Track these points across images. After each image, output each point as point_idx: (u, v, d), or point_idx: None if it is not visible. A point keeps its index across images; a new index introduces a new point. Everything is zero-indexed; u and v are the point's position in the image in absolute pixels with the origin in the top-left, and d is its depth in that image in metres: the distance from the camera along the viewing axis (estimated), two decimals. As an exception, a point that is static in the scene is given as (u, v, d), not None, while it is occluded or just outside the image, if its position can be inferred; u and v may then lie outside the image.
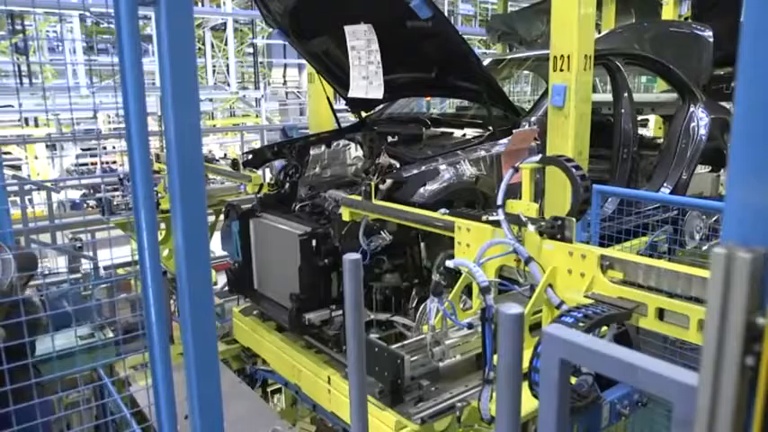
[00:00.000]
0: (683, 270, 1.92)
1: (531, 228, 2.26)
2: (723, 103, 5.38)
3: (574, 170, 2.33)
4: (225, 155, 14.73)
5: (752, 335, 0.67)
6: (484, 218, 2.50)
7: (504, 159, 3.33)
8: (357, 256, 1.51)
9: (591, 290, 2.09)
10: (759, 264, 0.67)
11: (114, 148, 12.33)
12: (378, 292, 3.32)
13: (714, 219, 4.66)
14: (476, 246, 2.39)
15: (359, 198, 3.12)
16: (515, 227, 2.32)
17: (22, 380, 1.99)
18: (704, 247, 4.45)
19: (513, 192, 3.50)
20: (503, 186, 2.39)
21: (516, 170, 2.44)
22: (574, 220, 2.22)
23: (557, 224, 2.21)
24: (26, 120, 14.45)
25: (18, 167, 11.91)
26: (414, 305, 3.30)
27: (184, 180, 1.24)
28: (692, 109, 4.88)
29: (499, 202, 2.38)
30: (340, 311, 3.23)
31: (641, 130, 5.72)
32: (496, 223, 2.36)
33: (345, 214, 3.18)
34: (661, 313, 1.92)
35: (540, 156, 2.55)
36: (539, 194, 3.59)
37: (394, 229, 3.18)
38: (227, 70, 17.95)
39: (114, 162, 12.52)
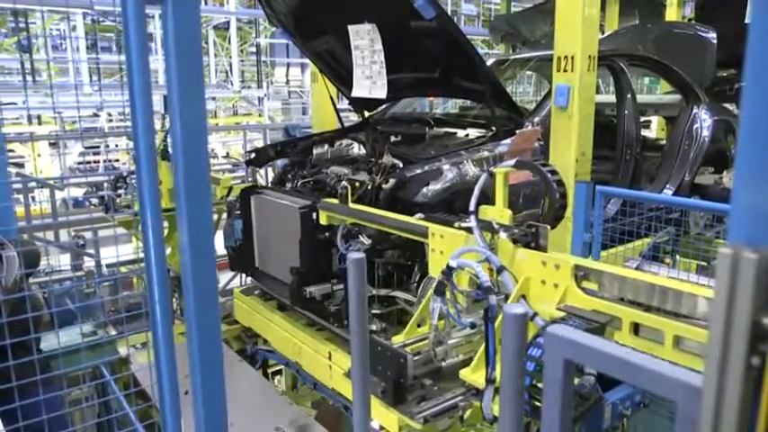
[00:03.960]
0: (659, 282, 1.87)
1: (503, 235, 2.19)
2: (726, 105, 5.37)
3: (549, 175, 2.25)
4: (227, 153, 14.75)
5: (757, 335, 0.68)
6: (456, 224, 2.43)
7: (507, 160, 3.32)
8: (361, 255, 1.52)
9: (564, 301, 2.02)
10: (765, 264, 0.67)
11: (117, 146, 12.37)
12: (380, 267, 3.29)
13: None
14: (449, 253, 2.30)
15: (335, 201, 3.08)
16: (488, 234, 2.24)
17: (26, 376, 2.00)
18: (708, 234, 4.46)
19: (516, 193, 3.51)
20: (476, 191, 2.32)
21: (491, 175, 2.36)
22: (548, 227, 2.15)
23: (530, 232, 2.14)
24: (29, 117, 14.49)
25: (21, 165, 11.93)
26: (416, 280, 3.28)
27: (190, 177, 1.25)
28: (695, 110, 4.88)
29: (472, 207, 2.30)
30: (341, 285, 3.22)
31: (644, 132, 5.72)
32: (471, 230, 2.29)
33: (323, 218, 3.14)
34: (636, 328, 1.85)
35: (516, 160, 2.45)
36: (539, 197, 3.58)
37: (373, 232, 3.10)
38: (230, 69, 17.97)
39: (117, 160, 12.55)
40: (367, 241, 3.08)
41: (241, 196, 3.98)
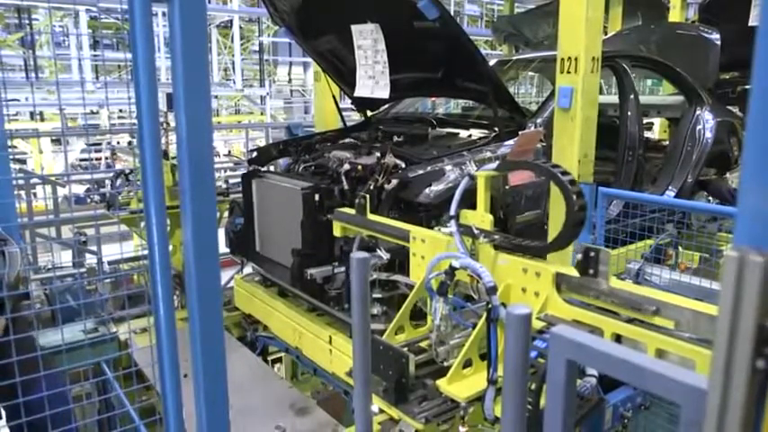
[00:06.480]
0: (642, 293, 1.83)
1: (483, 241, 2.14)
2: (729, 107, 5.37)
3: (561, 175, 2.00)
4: (229, 152, 14.76)
5: (763, 338, 0.68)
6: (436, 229, 2.38)
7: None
8: (364, 254, 1.52)
9: (545, 311, 1.96)
10: (771, 268, 0.67)
11: (118, 143, 12.38)
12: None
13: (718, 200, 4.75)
14: (430, 258, 2.24)
15: (352, 212, 2.96)
16: (470, 239, 2.18)
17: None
18: (709, 227, 4.47)
19: (518, 195, 3.51)
20: (457, 195, 2.28)
21: (472, 178, 2.31)
22: (609, 251, 1.91)
23: (590, 256, 1.87)
24: (31, 114, 14.53)
25: (23, 161, 11.95)
26: None
27: (195, 174, 1.25)
28: (698, 112, 4.88)
29: (452, 212, 2.25)
30: (342, 268, 3.22)
31: (647, 133, 5.72)
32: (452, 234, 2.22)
33: (337, 230, 3.06)
34: (618, 339, 1.81)
35: (498, 162, 2.36)
36: (542, 198, 3.58)
37: (393, 246, 2.93)
38: (233, 67, 17.99)
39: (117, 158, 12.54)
40: (386, 255, 2.93)
41: (243, 180, 3.99)
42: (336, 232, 3.05)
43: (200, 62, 1.23)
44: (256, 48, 19.72)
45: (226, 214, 4.68)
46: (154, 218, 1.31)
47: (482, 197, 2.29)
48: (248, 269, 4.45)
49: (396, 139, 3.98)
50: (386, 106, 4.86)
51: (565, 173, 2.05)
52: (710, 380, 0.71)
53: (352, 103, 4.70)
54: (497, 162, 2.38)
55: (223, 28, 18.43)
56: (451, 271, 2.11)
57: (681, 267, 3.89)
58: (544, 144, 3.71)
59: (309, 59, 4.99)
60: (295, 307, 3.70)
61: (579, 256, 1.91)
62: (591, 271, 1.89)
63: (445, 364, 2.17)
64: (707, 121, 4.84)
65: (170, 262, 1.42)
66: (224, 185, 5.59)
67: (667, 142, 5.61)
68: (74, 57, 15.66)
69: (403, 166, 3.36)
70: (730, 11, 5.89)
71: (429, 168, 3.30)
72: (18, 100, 13.40)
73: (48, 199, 5.75)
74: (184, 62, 1.20)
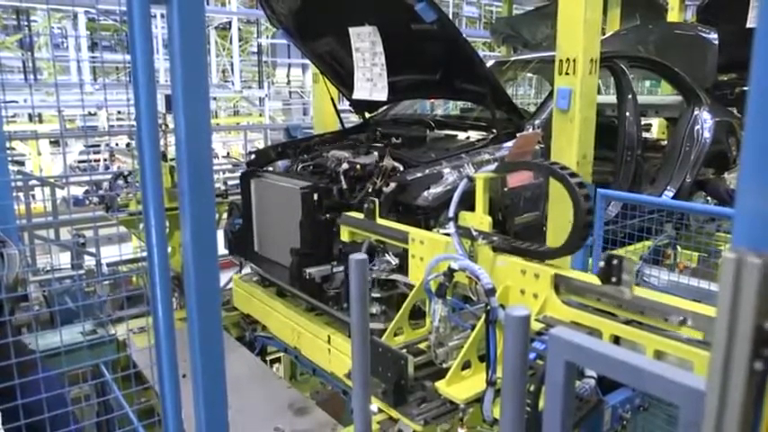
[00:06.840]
0: (640, 295, 1.83)
1: (482, 243, 2.16)
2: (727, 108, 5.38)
3: (570, 177, 1.97)
4: (228, 153, 14.76)
5: (761, 339, 0.68)
6: (435, 231, 2.39)
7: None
8: (363, 255, 1.52)
9: (544, 312, 1.97)
10: (769, 269, 0.67)
11: (117, 144, 12.38)
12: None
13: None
14: (429, 259, 2.26)
15: (360, 216, 2.95)
16: (469, 241, 2.20)
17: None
18: (708, 227, 4.47)
19: (516, 196, 3.51)
20: (455, 197, 2.29)
21: (471, 180, 2.32)
22: (632, 259, 1.91)
23: (612, 264, 1.82)
24: (30, 116, 14.51)
25: (22, 163, 11.93)
26: None
27: (194, 177, 1.25)
28: (696, 112, 4.88)
29: (451, 214, 2.26)
30: (341, 267, 3.21)
31: (645, 133, 5.72)
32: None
33: (345, 234, 3.04)
34: (617, 341, 1.81)
35: (497, 164, 2.36)
36: (541, 199, 3.58)
37: (401, 251, 2.91)
38: (231, 69, 17.99)
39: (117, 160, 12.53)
40: (394, 260, 2.90)
41: (241, 180, 3.99)
42: (344, 237, 3.05)
43: (199, 64, 1.23)
44: (255, 49, 19.72)
45: (225, 216, 4.68)
46: (153, 219, 1.31)
47: (481, 199, 2.30)
48: (247, 269, 4.45)
49: (394, 140, 3.98)
50: (384, 108, 4.86)
51: (563, 167, 2.06)
52: (709, 381, 0.71)
53: (350, 105, 4.70)
54: (496, 164, 2.38)
55: (222, 29, 18.44)
56: (450, 272, 2.11)
57: (679, 267, 3.89)
58: (542, 146, 3.71)
59: (308, 61, 4.99)
60: (294, 307, 3.70)
61: (601, 264, 1.87)
62: (614, 279, 1.83)
63: (444, 365, 2.17)
64: (705, 121, 4.85)
65: (169, 263, 1.42)
66: (222, 187, 5.60)
67: (666, 142, 5.61)
68: (72, 58, 15.66)
69: (401, 168, 3.36)
70: (729, 12, 5.89)
71: (427, 171, 3.30)
72: (17, 101, 13.38)
73: (46, 201, 5.74)
74: (183, 64, 1.21)
